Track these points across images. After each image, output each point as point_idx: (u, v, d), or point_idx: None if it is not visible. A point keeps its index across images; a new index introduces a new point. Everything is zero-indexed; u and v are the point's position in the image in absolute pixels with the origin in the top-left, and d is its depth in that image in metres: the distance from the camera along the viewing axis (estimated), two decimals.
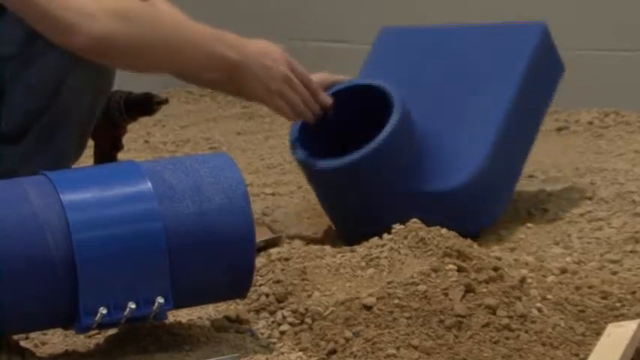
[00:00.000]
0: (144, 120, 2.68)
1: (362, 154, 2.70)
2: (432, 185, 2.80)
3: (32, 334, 2.18)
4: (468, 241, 2.32)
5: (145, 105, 2.60)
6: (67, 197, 2.01)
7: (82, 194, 2.04)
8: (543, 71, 3.03)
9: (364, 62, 3.13)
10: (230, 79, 2.53)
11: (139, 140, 3.72)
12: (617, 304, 2.26)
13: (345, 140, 2.76)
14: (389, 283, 2.14)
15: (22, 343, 2.12)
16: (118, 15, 2.28)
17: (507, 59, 2.98)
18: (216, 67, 2.51)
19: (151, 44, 2.35)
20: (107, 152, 2.51)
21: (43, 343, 2.20)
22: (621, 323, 2.11)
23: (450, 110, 2.94)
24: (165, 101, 2.69)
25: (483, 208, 2.85)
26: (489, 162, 2.80)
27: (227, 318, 2.26)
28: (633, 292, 2.33)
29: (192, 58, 2.45)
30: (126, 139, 2.60)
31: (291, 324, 2.18)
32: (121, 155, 2.59)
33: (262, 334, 2.19)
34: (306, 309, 2.17)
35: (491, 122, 2.86)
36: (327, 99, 2.68)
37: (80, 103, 2.41)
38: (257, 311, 2.25)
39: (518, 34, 3.07)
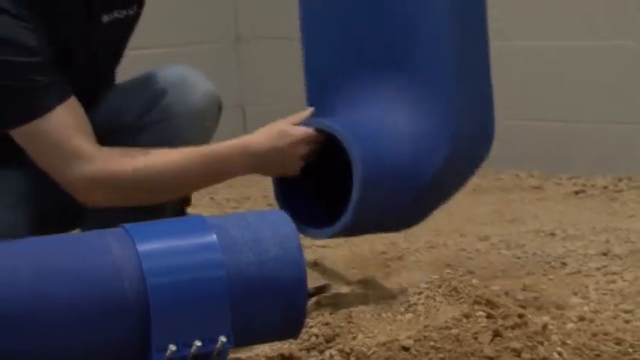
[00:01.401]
0: None
1: (335, 229, 2.45)
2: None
3: None
4: (496, 290, 2.32)
5: None
6: (143, 247, 2.02)
7: (156, 245, 2.05)
8: None
9: None
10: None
11: (205, 197, 3.73)
12: (630, 350, 2.25)
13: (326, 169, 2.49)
14: (425, 327, 2.14)
15: None
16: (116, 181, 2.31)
17: None
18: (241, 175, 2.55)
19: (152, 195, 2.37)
20: (178, 207, 2.52)
21: None
22: None
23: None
24: None
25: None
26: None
27: (281, 356, 2.26)
28: None
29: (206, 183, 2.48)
30: (194, 197, 2.60)
31: None
32: (190, 210, 2.59)
33: None
34: (351, 349, 2.16)
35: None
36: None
37: None
38: (308, 350, 2.25)
39: None
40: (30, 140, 2.27)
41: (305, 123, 2.44)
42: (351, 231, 2.48)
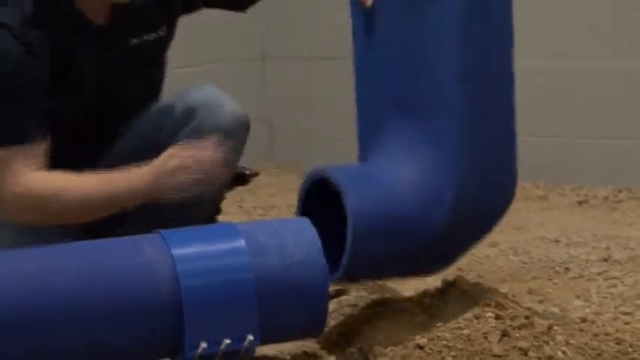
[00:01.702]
0: (239, 189, 2.68)
1: (337, 276, 2.28)
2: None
3: None
4: (504, 293, 2.32)
5: (240, 177, 2.61)
6: (177, 252, 2.03)
7: (189, 249, 2.06)
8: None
9: None
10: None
11: (234, 205, 3.73)
12: (629, 349, 2.24)
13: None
14: (438, 327, 2.14)
15: None
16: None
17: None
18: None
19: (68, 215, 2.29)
20: (209, 215, 2.52)
21: None
22: None
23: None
24: (256, 174, 2.70)
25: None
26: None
27: (305, 353, 2.26)
28: None
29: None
30: (224, 205, 2.61)
31: (357, 359, 2.17)
32: (220, 217, 2.60)
33: None
34: (370, 347, 2.16)
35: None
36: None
37: (204, 190, 2.42)
38: (329, 348, 2.25)
39: None
40: None
41: (317, 169, 2.32)
42: (356, 278, 2.36)
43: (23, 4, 2.28)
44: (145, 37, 2.42)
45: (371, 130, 2.30)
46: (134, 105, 2.45)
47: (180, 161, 2.22)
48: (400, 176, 2.22)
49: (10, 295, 1.93)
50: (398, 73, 2.24)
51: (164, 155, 2.24)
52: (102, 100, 2.41)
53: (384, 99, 2.27)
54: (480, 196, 2.22)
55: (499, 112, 2.25)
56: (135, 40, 2.41)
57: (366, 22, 2.26)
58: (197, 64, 3.83)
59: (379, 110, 2.29)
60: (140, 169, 2.23)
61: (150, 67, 2.49)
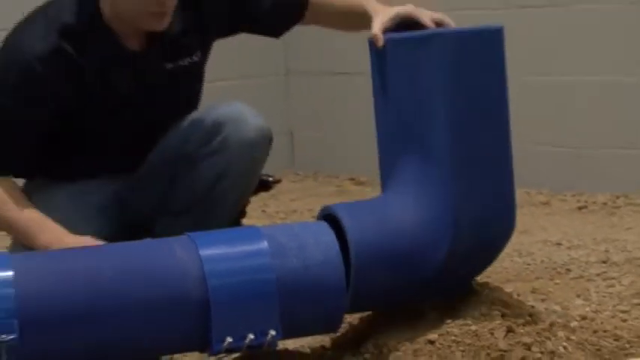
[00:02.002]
0: (262, 195, 2.68)
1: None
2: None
3: (176, 355, 2.19)
4: (510, 292, 2.31)
5: (264, 184, 2.61)
6: (205, 253, 2.03)
7: (216, 250, 2.06)
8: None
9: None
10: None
11: (258, 210, 3.73)
12: (627, 345, 2.23)
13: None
14: (448, 323, 2.13)
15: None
16: None
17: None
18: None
19: None
20: (235, 219, 2.53)
21: None
22: None
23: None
24: (279, 181, 2.71)
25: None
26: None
27: (323, 347, 2.26)
28: (639, 336, 2.30)
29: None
30: (249, 209, 2.61)
31: (372, 353, 2.16)
32: (244, 221, 2.60)
33: None
34: (384, 342, 2.16)
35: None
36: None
37: (230, 196, 2.43)
38: (345, 342, 2.25)
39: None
40: None
41: (325, 207, 2.24)
42: (363, 307, 2.25)
43: (62, 19, 2.30)
44: (180, 63, 2.42)
45: (384, 165, 2.27)
46: (169, 122, 2.46)
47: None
48: (403, 212, 2.17)
49: (58, 292, 1.95)
50: (402, 115, 2.20)
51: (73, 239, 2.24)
52: (138, 118, 2.41)
53: (393, 137, 2.24)
54: (479, 232, 2.16)
55: (494, 155, 2.16)
56: (170, 65, 2.41)
57: (378, 62, 2.24)
58: (226, 79, 3.84)
59: (390, 146, 2.26)
60: (54, 233, 2.23)
61: (185, 89, 2.49)
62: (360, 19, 2.36)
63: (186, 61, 2.43)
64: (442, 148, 2.12)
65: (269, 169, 2.56)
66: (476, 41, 2.15)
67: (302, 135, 4.81)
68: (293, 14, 2.51)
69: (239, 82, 4.33)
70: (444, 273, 2.14)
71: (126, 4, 2.27)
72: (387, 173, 2.26)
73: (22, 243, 2.28)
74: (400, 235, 2.15)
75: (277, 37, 2.59)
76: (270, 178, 2.64)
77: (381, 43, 2.21)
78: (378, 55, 2.22)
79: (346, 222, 2.14)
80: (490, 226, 2.18)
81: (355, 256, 2.11)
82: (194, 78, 2.50)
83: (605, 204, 3.83)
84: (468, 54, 2.12)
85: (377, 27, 2.23)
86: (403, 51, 2.19)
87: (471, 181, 2.13)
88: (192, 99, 2.51)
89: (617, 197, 3.87)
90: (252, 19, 2.49)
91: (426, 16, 2.25)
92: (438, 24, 2.25)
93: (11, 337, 1.88)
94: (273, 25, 2.54)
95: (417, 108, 2.16)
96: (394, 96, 2.21)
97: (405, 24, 2.25)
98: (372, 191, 4.12)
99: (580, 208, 3.82)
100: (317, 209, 3.89)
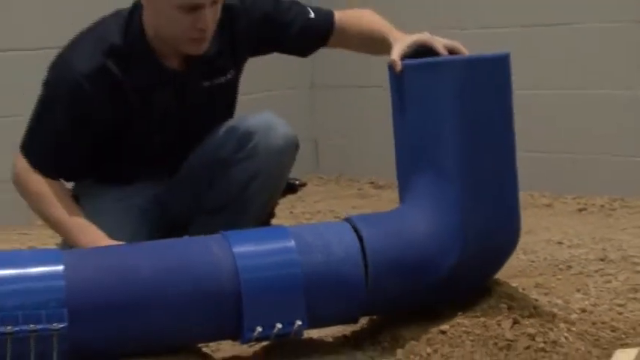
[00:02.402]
0: (289, 197, 2.69)
1: None
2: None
3: (210, 344, 2.19)
4: (515, 287, 2.30)
5: (291, 187, 2.61)
6: (237, 249, 2.03)
7: (247, 248, 2.06)
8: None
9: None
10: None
11: (285, 211, 3.73)
12: (623, 336, 2.22)
13: None
14: (459, 315, 2.12)
15: (203, 350, 2.13)
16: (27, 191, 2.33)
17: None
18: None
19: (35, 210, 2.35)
20: (265, 219, 2.53)
21: (218, 350, 2.21)
22: (625, 350, 2.07)
23: None
24: (304, 184, 2.70)
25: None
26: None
27: (344, 336, 2.26)
28: (634, 328, 2.29)
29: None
30: (277, 210, 2.61)
31: (389, 342, 2.16)
32: (273, 221, 2.60)
33: (368, 349, 2.18)
34: (400, 332, 2.15)
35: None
36: None
37: (260, 198, 2.43)
38: (365, 333, 2.24)
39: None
40: (19, 158, 2.34)
41: (347, 218, 2.21)
42: (379, 310, 2.21)
43: (109, 40, 2.31)
44: (216, 81, 2.43)
45: (401, 180, 2.26)
46: (206, 132, 2.46)
47: None
48: (416, 224, 2.15)
49: (104, 285, 1.96)
50: (417, 134, 2.18)
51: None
52: (177, 130, 2.42)
53: (409, 154, 2.22)
54: (485, 244, 2.14)
55: (500, 173, 2.14)
56: (207, 83, 2.42)
57: (396, 85, 2.22)
58: (257, 92, 3.83)
59: (406, 163, 2.24)
60: (93, 236, 2.25)
61: (220, 103, 2.50)
62: (381, 45, 2.36)
63: (221, 79, 2.43)
64: (452, 166, 2.11)
65: (295, 173, 2.56)
66: (484, 67, 2.14)
67: (326, 142, 4.81)
68: (319, 38, 2.51)
69: (269, 94, 4.32)
70: (452, 280, 2.12)
71: (169, 30, 2.28)
72: (403, 187, 2.25)
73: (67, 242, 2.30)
74: (413, 245, 2.13)
75: (304, 57, 2.59)
76: (297, 182, 2.64)
77: (399, 68, 2.21)
78: (397, 78, 2.21)
79: (364, 232, 2.13)
80: (495, 238, 2.16)
81: (372, 264, 2.10)
82: (229, 93, 2.50)
83: (602, 206, 3.81)
84: (477, 79, 2.11)
85: (396, 53, 2.23)
86: (418, 76, 2.19)
87: (478, 198, 2.12)
88: (226, 111, 2.52)
89: (614, 200, 3.85)
90: (281, 42, 2.50)
91: (440, 44, 2.25)
92: (451, 51, 2.25)
93: (61, 325, 1.88)
94: (301, 47, 2.54)
95: (431, 129, 2.14)
96: (410, 116, 2.20)
97: (422, 50, 2.25)
98: (390, 194, 4.13)
99: (580, 210, 3.80)
100: (339, 210, 3.94)
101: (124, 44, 2.30)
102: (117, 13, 2.36)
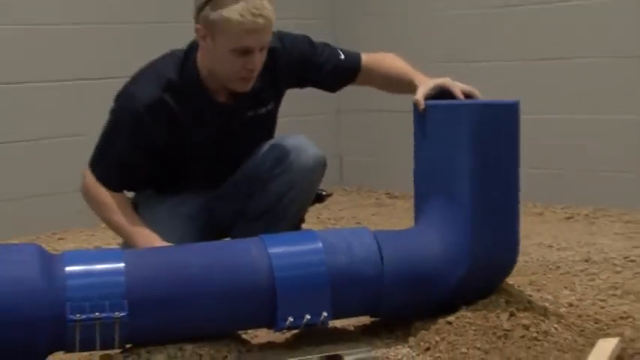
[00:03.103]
0: (317, 205, 2.68)
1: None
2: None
3: (249, 331, 2.18)
4: (512, 284, 2.28)
5: (319, 197, 2.61)
6: (273, 251, 2.03)
7: (281, 249, 2.05)
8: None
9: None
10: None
11: (314, 217, 3.72)
12: (605, 327, 2.20)
13: None
14: (463, 308, 2.10)
15: (243, 336, 2.12)
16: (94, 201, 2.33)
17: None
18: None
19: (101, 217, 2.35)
20: (296, 224, 2.52)
21: (255, 336, 2.20)
22: (607, 339, 2.05)
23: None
24: (330, 194, 2.70)
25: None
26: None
27: (364, 325, 2.24)
28: (615, 320, 2.27)
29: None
30: (307, 217, 2.60)
31: (402, 331, 2.15)
32: (303, 226, 2.59)
33: (384, 337, 2.16)
34: (411, 323, 2.14)
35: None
36: None
37: (293, 207, 2.43)
38: (382, 323, 2.22)
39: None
40: (87, 173, 2.34)
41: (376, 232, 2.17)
42: (393, 316, 2.18)
43: (166, 75, 2.31)
44: (258, 111, 2.43)
45: (418, 202, 2.24)
46: (248, 152, 2.47)
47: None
48: (429, 243, 2.13)
49: (159, 280, 1.96)
50: (434, 164, 2.17)
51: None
52: (223, 152, 2.42)
53: (426, 181, 2.22)
54: (489, 262, 2.11)
55: (505, 202, 2.12)
56: (250, 114, 2.42)
57: (419, 121, 2.22)
58: (293, 115, 3.82)
59: (423, 188, 2.23)
60: (149, 239, 2.24)
61: (261, 130, 2.49)
62: (407, 86, 2.36)
63: (263, 110, 2.44)
64: (463, 195, 2.10)
65: (322, 185, 2.55)
66: (495, 112, 2.13)
67: (349, 159, 4.81)
68: (347, 77, 2.51)
69: (303, 118, 4.31)
70: (458, 292, 2.10)
71: (222, 70, 2.28)
72: (419, 209, 2.24)
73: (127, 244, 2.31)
74: (425, 260, 2.11)
75: (333, 92, 2.60)
76: (324, 193, 2.64)
77: (422, 107, 2.21)
78: (420, 116, 2.21)
79: (383, 246, 2.10)
80: (498, 257, 2.14)
81: (389, 276, 2.08)
82: (269, 121, 2.51)
83: (587, 215, 3.78)
84: (488, 122, 2.10)
85: (420, 94, 2.23)
86: (438, 115, 2.18)
87: (484, 222, 2.10)
88: (267, 135, 2.52)
89: (597, 210, 3.82)
90: (315, 79, 2.50)
91: (458, 88, 2.24)
92: (467, 95, 2.24)
93: (122, 314, 1.88)
94: (331, 85, 2.54)
95: (446, 161, 2.14)
96: (429, 149, 2.19)
97: (442, 93, 2.24)
98: (403, 203, 4.12)
99: (567, 219, 3.77)
100: (360, 217, 3.94)
101: (179, 80, 2.30)
102: (173, 53, 2.37)
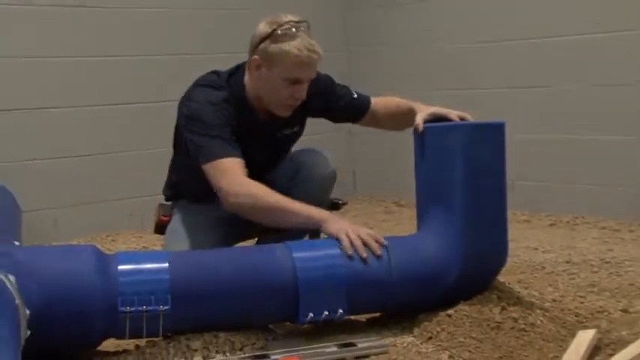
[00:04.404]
0: (334, 213, 2.66)
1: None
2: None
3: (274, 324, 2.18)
4: (503, 282, 2.27)
5: (335, 205, 2.61)
6: (296, 255, 2.03)
7: (304, 254, 2.05)
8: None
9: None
10: (314, 226, 2.18)
11: None
12: (584, 320, 2.20)
13: None
14: (461, 303, 2.10)
15: (271, 326, 2.13)
16: (248, 196, 2.14)
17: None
18: (307, 224, 2.17)
19: (264, 214, 2.14)
20: (315, 230, 2.52)
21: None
22: (586, 331, 2.04)
23: None
24: (345, 203, 2.71)
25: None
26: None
27: (375, 318, 2.23)
28: (592, 314, 2.26)
29: (292, 221, 2.14)
30: None
31: (407, 323, 2.14)
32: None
33: (392, 328, 2.15)
34: (416, 316, 2.13)
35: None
36: (375, 248, 2.09)
37: None
38: (390, 316, 2.21)
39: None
40: (210, 169, 2.19)
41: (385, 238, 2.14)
42: (397, 307, 2.16)
43: (220, 88, 2.28)
44: (286, 132, 2.43)
45: (419, 212, 2.24)
46: (273, 165, 2.47)
47: (348, 228, 2.11)
48: (428, 247, 2.11)
49: (197, 278, 1.96)
50: (432, 179, 2.17)
51: (342, 221, 2.13)
52: (255, 163, 2.41)
53: (426, 192, 2.21)
54: (480, 264, 2.10)
55: (494, 211, 2.11)
56: (280, 133, 2.42)
57: (419, 142, 2.22)
58: (312, 134, 3.83)
59: (424, 200, 2.22)
60: (319, 210, 2.13)
61: (286, 148, 2.50)
62: (408, 115, 2.35)
63: (290, 131, 2.44)
64: (457, 205, 2.09)
65: (339, 195, 2.55)
66: (484, 132, 2.13)
67: (361, 173, 4.82)
68: (356, 114, 2.53)
69: (321, 136, 4.29)
70: (454, 289, 2.09)
71: (270, 95, 2.28)
72: (420, 217, 2.24)
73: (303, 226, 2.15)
74: (427, 262, 2.10)
75: (335, 123, 2.60)
76: (340, 201, 2.64)
77: (421, 129, 2.21)
78: (419, 137, 2.21)
79: (392, 253, 2.08)
80: (488, 259, 2.14)
81: (396, 277, 2.07)
82: (293, 140, 2.52)
83: (568, 222, 3.76)
84: (478, 140, 2.11)
85: (419, 119, 2.23)
86: (435, 136, 2.18)
87: (476, 228, 2.10)
88: (286, 152, 2.52)
89: (577, 218, 3.80)
90: (331, 111, 2.51)
91: (453, 114, 2.25)
92: (462, 119, 2.24)
93: (166, 307, 1.89)
94: (339, 118, 2.55)
95: (442, 176, 2.13)
96: (428, 165, 2.19)
97: (439, 119, 2.25)
98: (408, 211, 4.10)
99: (551, 225, 3.75)
100: (372, 223, 3.92)
101: (229, 95, 2.30)
102: (215, 72, 2.35)
